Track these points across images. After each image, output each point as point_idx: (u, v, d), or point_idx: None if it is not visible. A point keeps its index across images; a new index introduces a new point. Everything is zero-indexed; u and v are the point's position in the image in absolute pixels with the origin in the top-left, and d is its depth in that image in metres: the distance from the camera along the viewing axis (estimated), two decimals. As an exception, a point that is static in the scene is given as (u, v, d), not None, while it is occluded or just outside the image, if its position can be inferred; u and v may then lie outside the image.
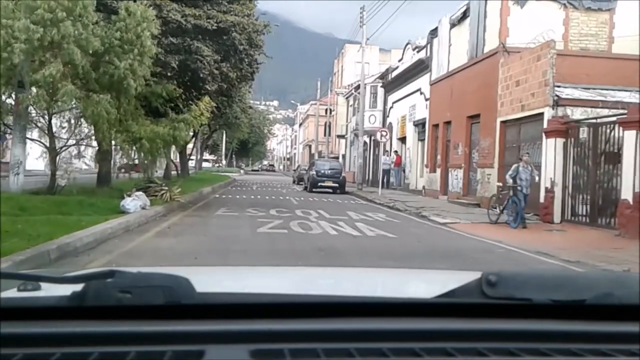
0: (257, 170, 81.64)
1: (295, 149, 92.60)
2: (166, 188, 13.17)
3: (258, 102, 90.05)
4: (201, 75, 14.40)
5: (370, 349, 0.86)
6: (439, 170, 21.06)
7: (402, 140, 27.11)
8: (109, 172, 15.63)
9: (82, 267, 5.20)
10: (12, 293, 1.02)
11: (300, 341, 0.88)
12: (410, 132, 25.40)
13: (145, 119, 13.28)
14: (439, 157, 21.11)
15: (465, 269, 3.95)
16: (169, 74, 15.05)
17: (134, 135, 12.13)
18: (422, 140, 24.16)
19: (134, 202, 10.36)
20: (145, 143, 12.16)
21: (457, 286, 1.01)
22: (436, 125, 21.72)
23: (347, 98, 44.74)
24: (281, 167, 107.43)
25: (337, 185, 24.87)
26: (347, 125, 45.34)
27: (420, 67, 23.67)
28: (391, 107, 29.19)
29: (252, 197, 19.55)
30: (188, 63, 13.92)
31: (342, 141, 48.77)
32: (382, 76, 31.26)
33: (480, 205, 16.66)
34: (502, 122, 15.79)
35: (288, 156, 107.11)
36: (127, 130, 12.25)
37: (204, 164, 66.46)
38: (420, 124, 24.27)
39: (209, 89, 18.04)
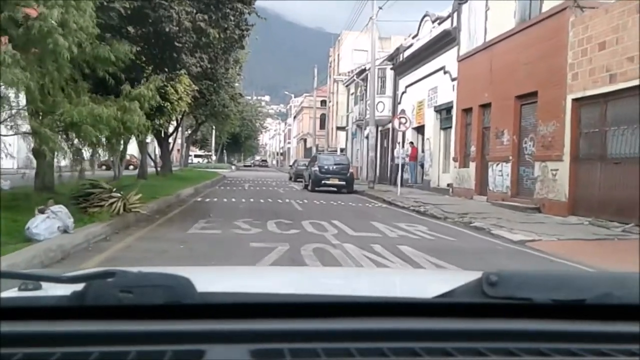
0: (250, 166, 79.44)
1: (289, 143, 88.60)
2: (118, 195, 9.15)
3: (249, 97, 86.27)
4: (167, 30, 10.25)
5: (370, 349, 0.85)
6: (472, 165, 17.12)
7: (419, 129, 23.14)
8: (50, 171, 11.56)
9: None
10: (12, 293, 1.02)
11: (300, 341, 0.87)
12: (431, 120, 21.43)
13: (87, 95, 9.24)
14: (472, 148, 17.17)
15: None
16: (124, 33, 10.94)
17: (65, 119, 8.08)
18: (447, 128, 20.21)
19: (48, 223, 6.35)
20: (88, 129, 8.09)
21: (457, 286, 0.99)
22: (467, 110, 17.77)
23: (347, 86, 40.69)
24: (274, 162, 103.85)
25: (343, 183, 21.15)
26: (347, 116, 41.35)
27: (444, 41, 19.68)
28: (404, 92, 25.20)
29: (244, 200, 15.54)
30: (147, 11, 9.75)
31: (342, 134, 44.79)
32: (392, 57, 27.25)
33: (541, 210, 12.79)
34: (576, 100, 11.86)
35: (281, 151, 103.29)
36: (53, 110, 8.22)
37: (195, 160, 62.60)
38: (444, 110, 20.30)
39: (187, 63, 14.00)
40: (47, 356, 0.80)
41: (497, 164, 15.35)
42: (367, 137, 33.50)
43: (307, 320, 0.92)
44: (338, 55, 50.62)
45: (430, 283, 1.58)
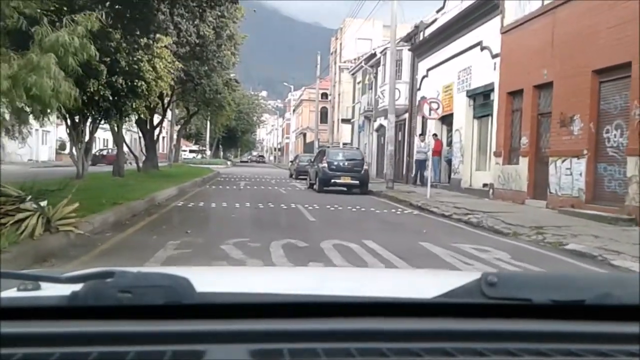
0: (246, 162, 76.96)
1: (287, 138, 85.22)
2: (35, 207, 5.76)
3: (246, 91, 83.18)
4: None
5: (370, 349, 0.84)
6: (524, 160, 13.75)
7: (443, 119, 19.70)
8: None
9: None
10: (12, 293, 1.00)
11: (300, 341, 0.86)
12: (461, 107, 18.02)
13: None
14: (524, 139, 13.78)
15: None
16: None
17: None
18: (483, 117, 16.83)
19: None
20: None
21: (457, 286, 0.98)
22: (516, 93, 14.39)
23: (353, 74, 37.25)
24: (271, 158, 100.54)
25: (357, 182, 17.96)
26: (353, 107, 37.96)
27: (482, 11, 16.25)
28: (424, 76, 21.79)
29: (238, 205, 12.14)
30: None
31: (346, 127, 41.34)
32: (410, 37, 23.83)
33: (639, 222, 9.44)
34: (702, 70, 8.53)
35: (279, 147, 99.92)
36: None
37: (190, 155, 59.20)
38: (479, 94, 16.91)
39: (164, 24, 10.61)
40: (47, 356, 0.79)
41: (563, 160, 11.97)
42: (377, 130, 30.11)
43: (307, 320, 0.92)
44: (340, 44, 47.16)
45: (430, 283, 1.46)
